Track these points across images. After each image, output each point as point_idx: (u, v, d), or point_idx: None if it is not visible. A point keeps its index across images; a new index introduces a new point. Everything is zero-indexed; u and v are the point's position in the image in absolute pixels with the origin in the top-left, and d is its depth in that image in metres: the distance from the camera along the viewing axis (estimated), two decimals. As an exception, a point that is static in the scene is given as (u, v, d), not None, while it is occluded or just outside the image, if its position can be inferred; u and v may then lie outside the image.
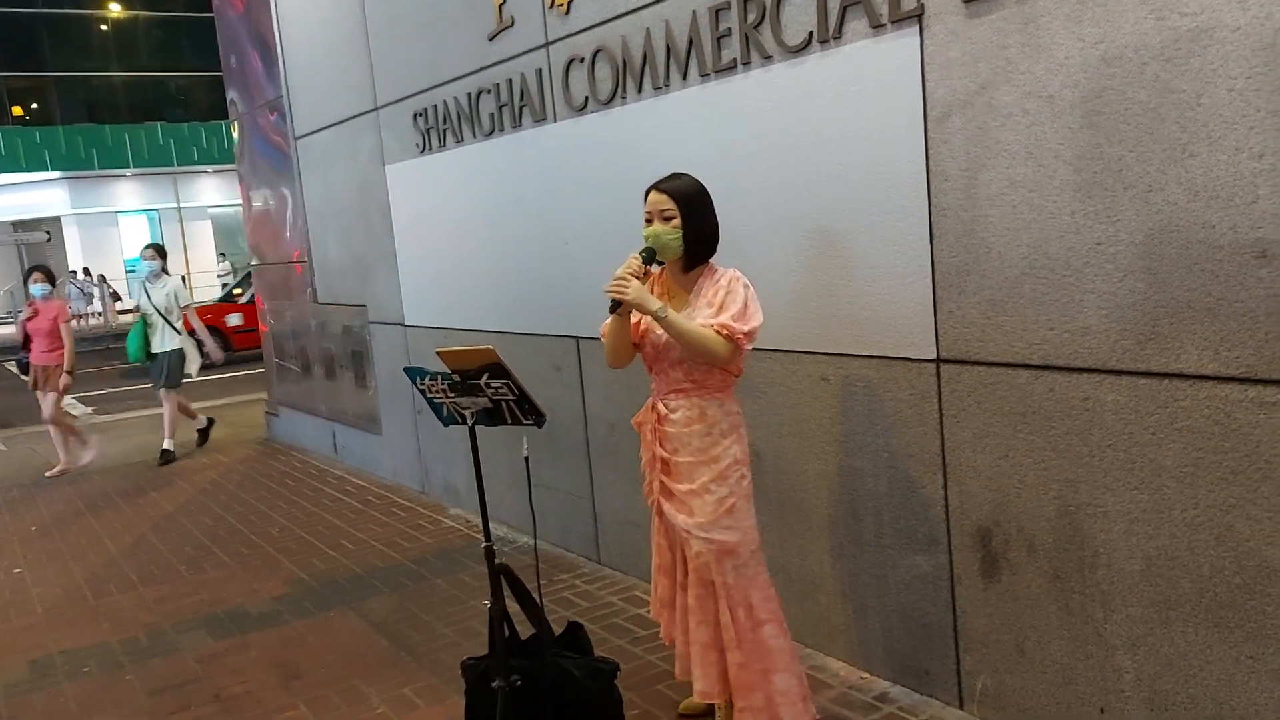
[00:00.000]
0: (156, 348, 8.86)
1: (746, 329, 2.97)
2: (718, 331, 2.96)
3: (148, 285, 8.94)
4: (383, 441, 7.53)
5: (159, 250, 9.11)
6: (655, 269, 3.19)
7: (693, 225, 3.05)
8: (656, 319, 3.00)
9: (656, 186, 3.09)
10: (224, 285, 27.67)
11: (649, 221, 3.08)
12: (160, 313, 8.81)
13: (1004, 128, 2.92)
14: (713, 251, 3.12)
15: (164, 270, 9.04)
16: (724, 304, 3.00)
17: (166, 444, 9.08)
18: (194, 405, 9.85)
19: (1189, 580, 2.70)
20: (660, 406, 3.15)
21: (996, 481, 3.12)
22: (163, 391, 9.02)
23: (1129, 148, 2.64)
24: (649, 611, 3.40)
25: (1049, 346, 2.90)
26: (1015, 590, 3.13)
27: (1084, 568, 2.93)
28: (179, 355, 8.88)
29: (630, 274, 3.01)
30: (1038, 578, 3.06)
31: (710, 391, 3.09)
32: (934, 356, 3.24)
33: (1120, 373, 2.75)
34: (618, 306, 3.04)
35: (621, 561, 5.00)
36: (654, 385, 3.20)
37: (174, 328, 8.83)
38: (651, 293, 3.17)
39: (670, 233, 3.05)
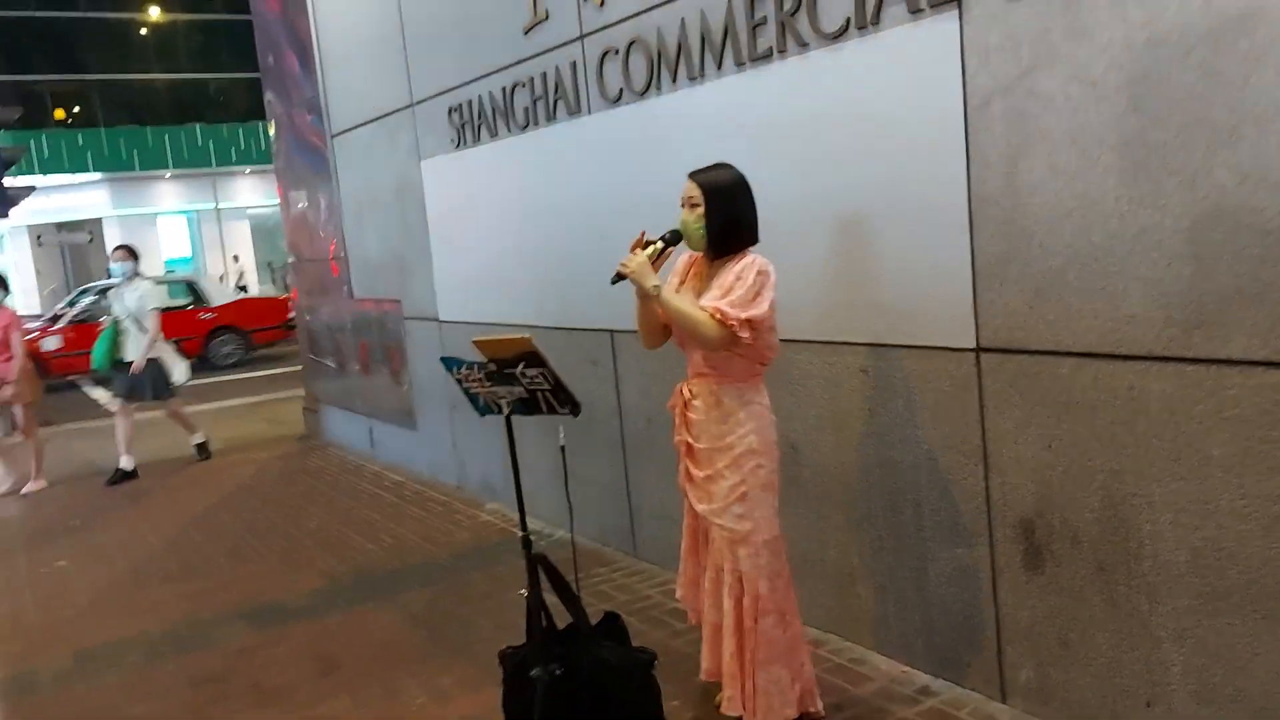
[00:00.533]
0: (127, 355, 8.29)
1: (744, 315, 2.95)
2: (711, 315, 2.98)
3: (120, 289, 8.38)
4: (419, 436, 7.58)
5: (130, 251, 8.47)
6: (687, 255, 3.24)
7: (716, 215, 3.07)
8: (650, 295, 3.06)
9: (691, 175, 3.15)
10: (239, 288, 27.68)
11: (684, 209, 3.14)
12: (133, 317, 8.26)
13: (1046, 113, 2.89)
14: (743, 243, 3.11)
15: (137, 273, 8.42)
16: (731, 288, 3.00)
17: (123, 461, 8.44)
18: (232, 402, 9.95)
19: (1237, 571, 2.66)
20: (686, 391, 3.22)
21: (1039, 473, 3.10)
22: (121, 404, 8.42)
23: (1174, 132, 2.61)
24: (678, 596, 3.49)
25: (1093, 335, 2.87)
26: (1059, 582, 3.10)
27: (1129, 559, 2.89)
28: (157, 366, 8.32)
29: (638, 245, 3.10)
30: (1082, 569, 3.03)
31: (730, 379, 3.11)
32: (974, 346, 3.22)
33: (1166, 360, 2.71)
34: (619, 279, 3.10)
35: (658, 555, 5.01)
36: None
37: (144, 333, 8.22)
38: (687, 277, 3.22)
39: (694, 221, 3.10)
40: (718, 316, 2.97)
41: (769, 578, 3.12)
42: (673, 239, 3.16)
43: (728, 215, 3.07)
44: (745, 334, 2.96)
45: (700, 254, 3.21)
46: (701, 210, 3.08)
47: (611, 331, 5.01)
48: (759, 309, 2.97)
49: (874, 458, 3.65)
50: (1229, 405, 2.61)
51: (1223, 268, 2.56)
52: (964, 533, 3.37)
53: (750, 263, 3.03)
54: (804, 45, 3.62)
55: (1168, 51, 2.59)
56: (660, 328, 3.28)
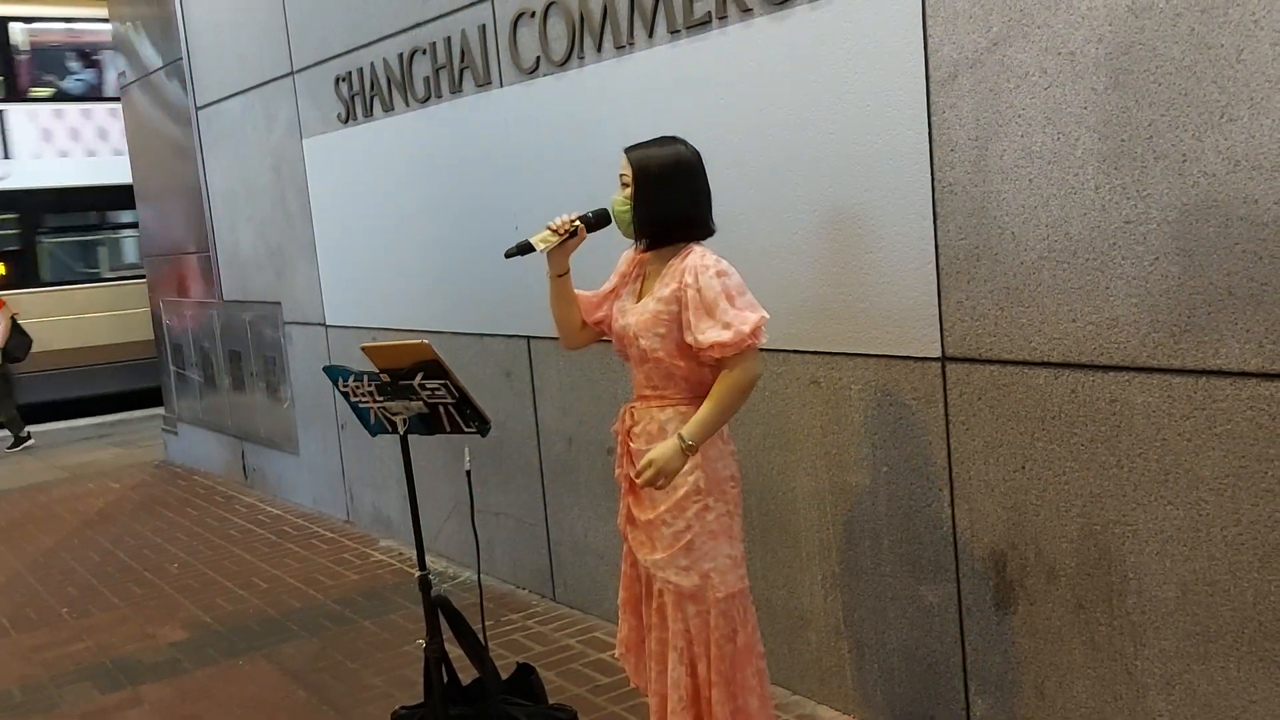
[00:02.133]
0: None
1: (747, 329, 2.80)
2: (719, 358, 2.83)
3: None
4: (300, 463, 7.46)
5: None
6: (633, 249, 3.11)
7: (644, 200, 2.94)
8: (682, 447, 2.85)
9: (627, 148, 3.03)
10: None
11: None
12: None
13: (1019, 90, 2.94)
14: (685, 236, 2.98)
15: None
16: (698, 306, 2.83)
17: None
18: (78, 422, 9.74)
19: (1230, 609, 2.72)
20: (629, 416, 3.08)
21: (1011, 498, 3.14)
22: None
23: (1161, 111, 2.67)
24: (614, 655, 3.34)
25: (1071, 341, 2.92)
26: (1033, 623, 3.14)
27: (1111, 596, 2.94)
28: None
29: (556, 229, 3.00)
30: (1059, 608, 3.07)
31: (675, 402, 2.98)
32: (939, 355, 3.25)
33: (1152, 370, 2.77)
34: (526, 250, 3.02)
35: (581, 599, 4.98)
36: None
37: None
38: (631, 273, 3.12)
39: (620, 203, 2.99)
40: (718, 354, 2.81)
41: (718, 643, 2.96)
42: (598, 220, 3.06)
43: (660, 201, 2.93)
44: (760, 340, 2.84)
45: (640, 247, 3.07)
46: (630, 192, 2.97)
47: (528, 338, 4.98)
48: (756, 313, 2.83)
49: (826, 482, 3.67)
50: (1221, 420, 2.67)
51: (1214, 265, 2.62)
52: (927, 567, 3.40)
53: (700, 267, 2.86)
54: (747, 11, 3.64)
55: (1153, 21, 2.65)
56: (576, 323, 3.17)
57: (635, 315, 2.99)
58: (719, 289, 2.84)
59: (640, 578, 3.16)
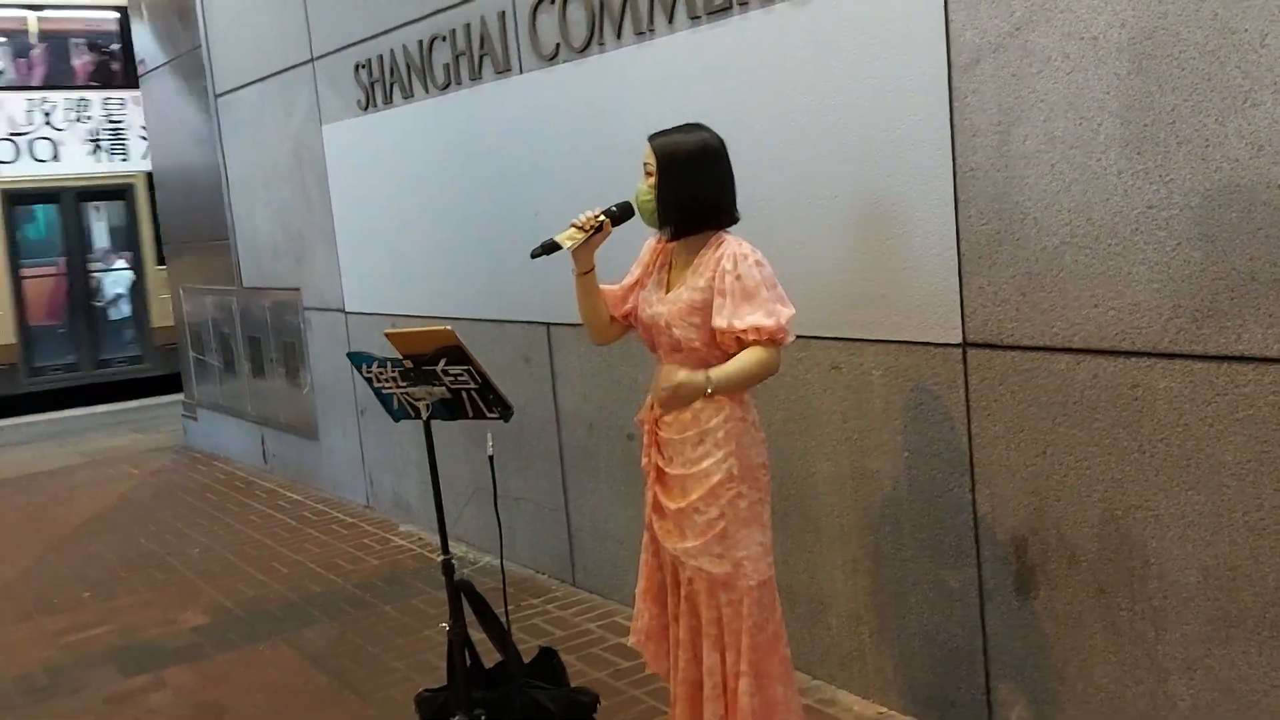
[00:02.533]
0: None
1: (784, 320, 2.87)
2: (754, 341, 2.87)
3: None
4: (320, 448, 7.52)
5: None
6: (655, 239, 3.12)
7: (668, 187, 2.94)
8: (707, 385, 2.91)
9: (651, 135, 3.03)
10: None
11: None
12: None
13: (1041, 75, 2.95)
14: (712, 224, 2.99)
15: None
16: (737, 293, 2.86)
17: None
18: (97, 409, 9.82)
19: (1252, 593, 2.74)
20: (658, 404, 3.08)
21: (1032, 483, 3.16)
22: None
23: (1184, 96, 2.68)
24: (631, 642, 3.37)
25: (1092, 326, 2.94)
26: (1054, 608, 3.17)
27: (1133, 580, 2.97)
28: None
29: (581, 225, 2.99)
30: (1080, 593, 3.10)
31: None
32: (960, 340, 3.28)
33: (1174, 356, 2.79)
34: (552, 249, 3.00)
35: (601, 584, 5.02)
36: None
37: None
38: (655, 267, 3.12)
39: (644, 192, 2.98)
40: (753, 338, 2.85)
41: (750, 632, 2.96)
42: (621, 213, 3.05)
43: (685, 188, 2.94)
44: (791, 338, 2.93)
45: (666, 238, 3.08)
46: (655, 180, 2.96)
47: (548, 324, 5.02)
48: (788, 306, 2.89)
49: (847, 467, 3.70)
50: (1243, 405, 2.68)
51: (1237, 250, 2.64)
52: (948, 552, 3.43)
53: (739, 255, 2.89)
54: (768, -5, 3.66)
55: (1176, 6, 2.66)
56: (603, 318, 3.18)
57: (668, 305, 2.99)
58: (759, 278, 2.88)
59: (662, 566, 3.17)
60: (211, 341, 9.06)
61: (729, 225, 3.01)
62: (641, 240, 3.20)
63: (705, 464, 2.95)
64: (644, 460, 3.15)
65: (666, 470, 3.03)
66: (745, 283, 2.86)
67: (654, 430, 3.07)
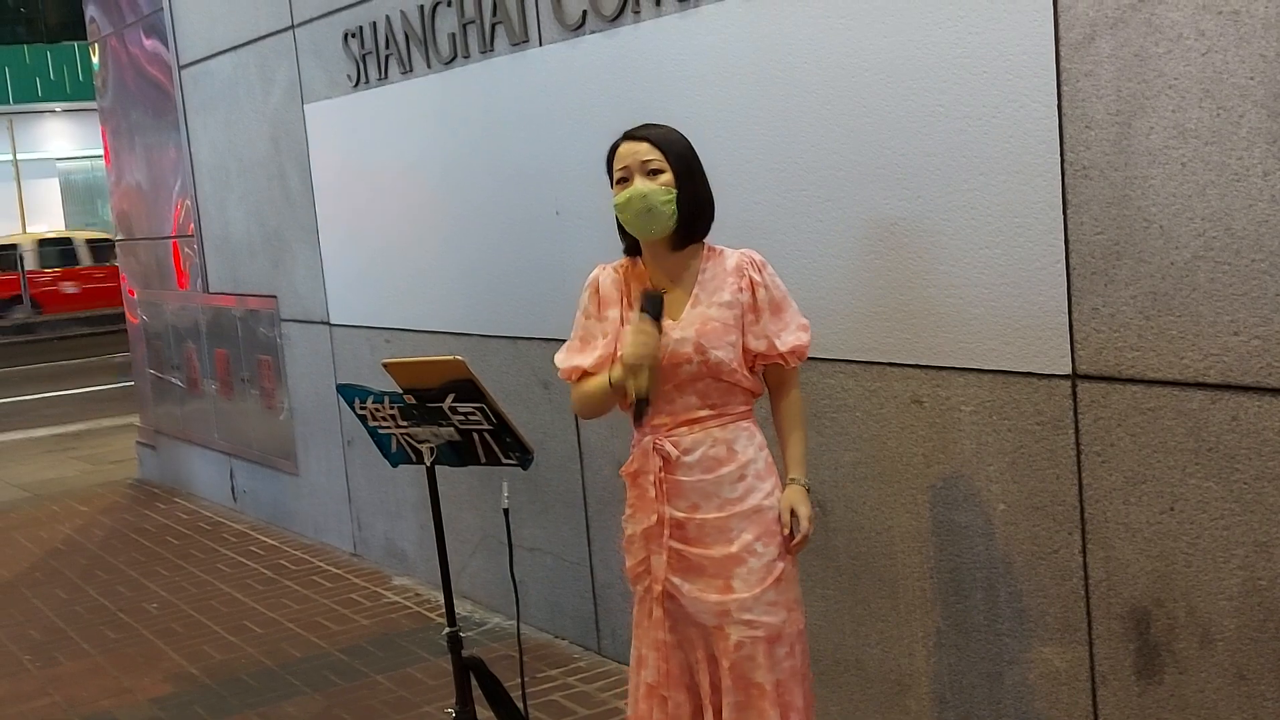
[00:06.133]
0: None
1: (809, 338, 3.11)
2: (791, 365, 3.12)
3: None
4: (300, 484, 7.53)
5: None
6: (611, 269, 3.22)
7: (689, 186, 3.04)
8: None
9: (630, 135, 3.09)
10: None
11: (624, 183, 3.03)
12: None
13: (1170, 55, 2.90)
14: (707, 230, 3.16)
15: None
16: (768, 307, 3.08)
17: None
18: (38, 432, 9.88)
19: None
20: (667, 448, 3.08)
21: (1158, 544, 3.11)
22: None
23: (1345, 83, 2.63)
24: None
25: (1232, 358, 2.89)
26: (1183, 696, 3.11)
27: (1279, 664, 2.91)
28: None
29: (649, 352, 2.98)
30: (1215, 678, 3.04)
31: (735, 417, 3.10)
32: (1069, 371, 3.23)
33: (1333, 395, 2.73)
34: (643, 410, 3.04)
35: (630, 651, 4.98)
36: (648, 420, 3.10)
37: None
38: (628, 293, 3.15)
39: (662, 193, 2.99)
40: (793, 363, 3.11)
41: (801, 683, 3.10)
42: (654, 307, 2.99)
43: (705, 187, 3.11)
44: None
45: (633, 259, 3.17)
46: (670, 179, 3.01)
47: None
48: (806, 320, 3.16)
49: (930, 521, 3.65)
50: None
51: None
52: (1053, 626, 3.38)
53: (760, 263, 3.13)
54: (837, -44, 3.63)
55: (1335, -25, 2.62)
56: (611, 408, 3.24)
57: (693, 328, 3.04)
58: (782, 288, 3.07)
59: (684, 644, 3.16)
60: (172, 357, 9.09)
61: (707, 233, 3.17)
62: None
63: (754, 499, 3.06)
64: (642, 521, 3.14)
65: (694, 518, 3.07)
66: (773, 294, 3.09)
67: (663, 478, 3.08)
